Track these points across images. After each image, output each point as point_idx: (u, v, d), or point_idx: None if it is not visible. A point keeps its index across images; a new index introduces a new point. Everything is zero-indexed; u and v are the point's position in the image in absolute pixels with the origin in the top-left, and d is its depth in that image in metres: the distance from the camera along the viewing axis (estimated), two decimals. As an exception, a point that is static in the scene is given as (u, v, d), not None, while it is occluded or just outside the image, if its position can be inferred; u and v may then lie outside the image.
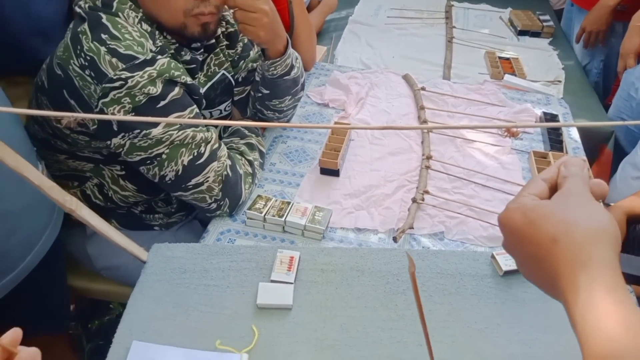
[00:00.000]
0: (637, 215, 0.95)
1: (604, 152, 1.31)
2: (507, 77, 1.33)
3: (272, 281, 0.68)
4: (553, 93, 1.31)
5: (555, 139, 1.06)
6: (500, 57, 1.43)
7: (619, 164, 1.31)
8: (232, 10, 0.83)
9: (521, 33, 1.62)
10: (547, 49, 1.56)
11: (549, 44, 1.59)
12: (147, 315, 0.63)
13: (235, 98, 1.00)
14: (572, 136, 1.11)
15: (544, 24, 1.62)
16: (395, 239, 0.79)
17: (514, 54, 1.47)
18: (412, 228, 0.83)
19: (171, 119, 0.75)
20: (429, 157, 0.99)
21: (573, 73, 1.45)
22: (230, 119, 1.03)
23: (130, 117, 0.72)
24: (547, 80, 1.38)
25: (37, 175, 0.46)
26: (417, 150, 1.03)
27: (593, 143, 1.26)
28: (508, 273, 0.72)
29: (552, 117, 1.14)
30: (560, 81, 1.39)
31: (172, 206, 0.97)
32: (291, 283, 0.68)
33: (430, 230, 0.84)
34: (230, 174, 0.82)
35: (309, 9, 1.55)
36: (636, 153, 1.26)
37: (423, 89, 1.21)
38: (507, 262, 0.72)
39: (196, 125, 0.78)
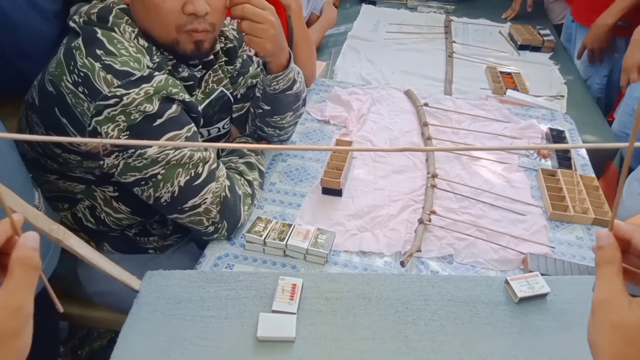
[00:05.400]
0: None
1: (609, 168, 1.28)
2: (509, 92, 1.31)
3: (274, 311, 0.64)
4: (556, 108, 1.28)
5: (563, 156, 1.03)
6: (501, 72, 1.42)
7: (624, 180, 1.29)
8: (236, 21, 0.80)
9: (521, 47, 1.61)
10: (548, 63, 1.55)
11: (550, 59, 1.57)
12: (139, 350, 0.59)
13: (234, 115, 0.97)
14: (580, 153, 1.09)
15: (545, 38, 1.61)
16: (402, 264, 0.75)
17: (515, 69, 1.46)
18: (420, 251, 0.79)
19: (165, 141, 0.71)
20: (434, 176, 0.95)
21: (575, 88, 1.43)
22: (228, 137, 0.99)
23: (124, 141, 0.68)
24: (550, 95, 1.36)
25: (18, 203, 0.42)
26: (421, 168, 1.00)
27: (599, 159, 1.23)
28: (523, 300, 0.68)
29: (559, 133, 1.11)
30: (562, 96, 1.38)
31: (167, 228, 0.93)
32: (294, 313, 0.64)
33: (438, 253, 0.80)
34: (228, 195, 0.78)
35: (308, 24, 1.54)
36: (642, 169, 1.24)
37: (426, 104, 1.18)
38: (522, 288, 0.68)
39: None
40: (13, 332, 0.35)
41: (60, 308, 0.42)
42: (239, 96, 0.95)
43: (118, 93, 0.67)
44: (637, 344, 0.35)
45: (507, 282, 0.70)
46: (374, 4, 1.92)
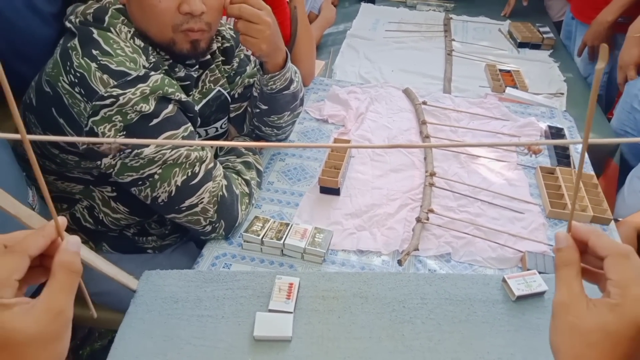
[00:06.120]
0: None
1: (610, 166, 1.28)
2: (508, 89, 1.30)
3: (270, 310, 0.64)
4: (556, 106, 1.28)
5: (562, 154, 1.03)
6: (501, 70, 1.41)
7: (624, 177, 1.28)
8: (232, 20, 0.80)
9: (521, 45, 1.60)
10: (548, 61, 1.55)
11: (550, 56, 1.57)
12: (136, 350, 0.59)
13: (232, 115, 0.97)
14: (579, 151, 1.08)
15: (544, 35, 1.60)
16: (400, 262, 0.75)
17: (515, 67, 1.45)
18: (417, 250, 0.79)
19: (165, 140, 0.71)
20: (432, 174, 0.95)
21: (575, 85, 1.42)
22: (226, 137, 0.99)
23: (124, 140, 0.68)
24: (549, 93, 1.36)
25: (12, 204, 0.42)
26: (420, 166, 0.99)
27: (599, 157, 1.23)
28: (521, 298, 0.68)
29: (558, 131, 1.11)
30: (562, 93, 1.37)
31: (166, 228, 0.93)
32: (290, 312, 0.64)
33: (436, 252, 0.80)
34: (226, 194, 0.78)
35: (307, 23, 1.53)
36: (643, 165, 1.23)
37: (424, 103, 1.18)
38: (519, 287, 0.68)
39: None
40: (55, 336, 0.35)
41: (94, 314, 0.43)
42: (236, 96, 0.95)
43: (114, 93, 0.68)
44: (595, 346, 0.35)
45: (504, 280, 0.70)
46: (373, 2, 1.92)
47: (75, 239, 0.38)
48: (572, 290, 0.37)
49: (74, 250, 0.37)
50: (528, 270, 0.74)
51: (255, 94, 0.92)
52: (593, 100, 0.34)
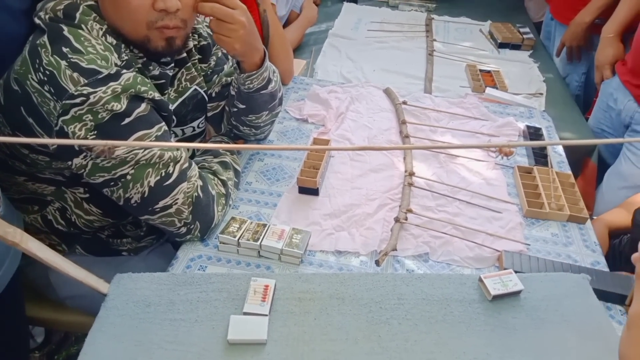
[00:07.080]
0: (619, 228, 0.92)
1: (588, 165, 1.30)
2: (488, 90, 1.31)
3: (245, 313, 0.63)
4: (535, 106, 1.29)
5: (539, 154, 1.03)
6: (481, 70, 1.42)
7: (602, 176, 1.31)
8: (207, 19, 0.79)
9: (501, 46, 1.62)
10: (528, 61, 1.56)
11: (530, 57, 1.59)
12: (106, 355, 0.57)
13: (209, 114, 0.96)
14: (556, 150, 1.09)
15: (524, 36, 1.62)
16: (377, 263, 0.75)
17: (495, 67, 1.46)
18: (396, 250, 0.79)
19: (141, 142, 0.69)
20: (411, 174, 0.95)
21: (554, 85, 1.44)
22: (204, 136, 0.98)
23: (97, 142, 0.67)
24: (529, 93, 1.37)
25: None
26: (399, 166, 0.99)
27: (577, 156, 1.25)
28: (497, 297, 0.68)
29: (536, 131, 1.12)
30: (541, 94, 1.39)
31: (141, 229, 0.91)
32: (266, 315, 0.63)
33: (414, 252, 0.80)
34: (201, 195, 0.77)
35: (288, 22, 1.53)
36: (620, 163, 1.25)
37: (405, 103, 1.18)
38: (495, 286, 0.68)
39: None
40: None
41: None
42: (213, 95, 0.94)
43: (85, 92, 0.66)
44: None
45: (480, 280, 0.70)
46: (355, 2, 1.92)
47: None
48: None
49: None
50: (505, 269, 0.75)
51: (232, 92, 0.91)
52: None
